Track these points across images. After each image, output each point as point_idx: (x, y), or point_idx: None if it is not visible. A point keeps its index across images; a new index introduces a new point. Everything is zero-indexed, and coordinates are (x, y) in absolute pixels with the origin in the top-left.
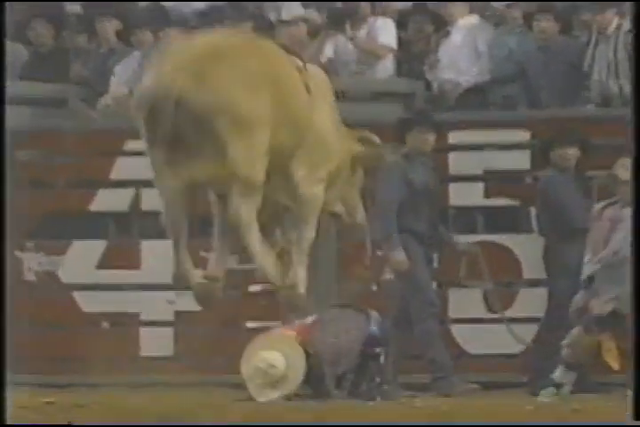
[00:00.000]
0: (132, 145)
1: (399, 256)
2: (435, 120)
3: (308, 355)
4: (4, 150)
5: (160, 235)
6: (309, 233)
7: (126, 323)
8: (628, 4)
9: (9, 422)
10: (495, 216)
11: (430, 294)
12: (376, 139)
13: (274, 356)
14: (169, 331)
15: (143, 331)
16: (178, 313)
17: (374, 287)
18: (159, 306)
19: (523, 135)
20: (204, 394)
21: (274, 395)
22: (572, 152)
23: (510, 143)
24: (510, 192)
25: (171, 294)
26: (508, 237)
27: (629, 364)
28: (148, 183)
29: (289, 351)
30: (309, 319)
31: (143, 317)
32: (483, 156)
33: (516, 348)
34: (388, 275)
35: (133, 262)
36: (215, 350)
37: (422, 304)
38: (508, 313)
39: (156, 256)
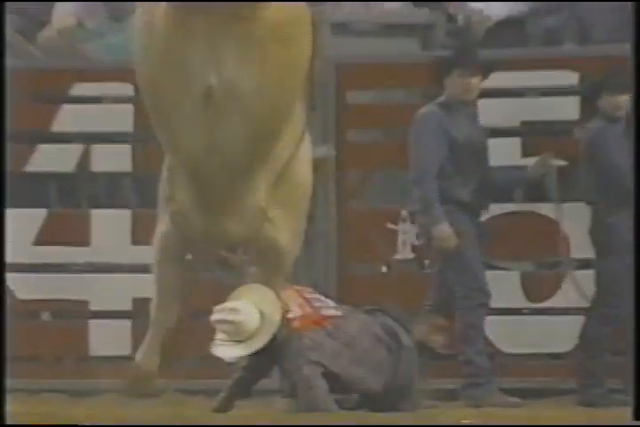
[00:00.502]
0: (80, 89)
1: (445, 230)
2: (480, 60)
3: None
4: None
5: (114, 202)
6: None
7: (72, 314)
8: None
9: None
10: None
11: (481, 279)
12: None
13: (246, 308)
14: (126, 324)
15: (93, 324)
16: (137, 301)
17: (384, 269)
18: (113, 292)
19: (569, 77)
20: (170, 404)
21: (233, 352)
22: (625, 99)
23: (554, 88)
24: (555, 149)
25: (128, 279)
26: (552, 207)
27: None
28: (99, 137)
29: (266, 309)
30: (335, 311)
31: (93, 306)
32: (520, 103)
33: (564, 346)
34: (406, 254)
35: (81, 237)
36: (185, 347)
37: (470, 291)
38: (551, 302)
39: (109, 229)
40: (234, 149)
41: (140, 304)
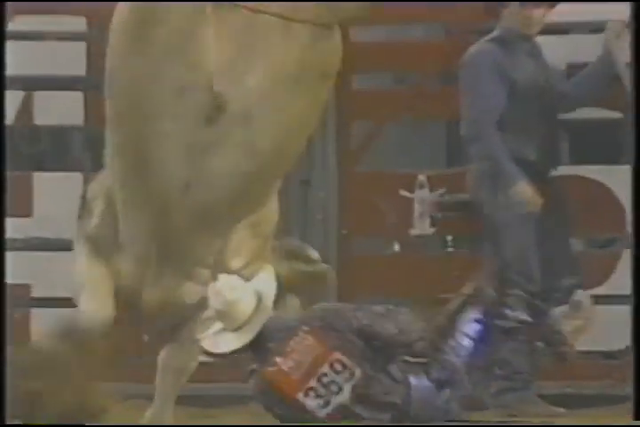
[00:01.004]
0: (21, 23)
1: (526, 190)
2: None
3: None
4: None
5: (62, 164)
6: None
7: (10, 301)
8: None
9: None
10: (586, 137)
11: (530, 263)
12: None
13: (241, 296)
14: None
15: (36, 313)
16: None
17: (396, 247)
18: (60, 275)
19: (622, 11)
20: (135, 410)
21: (224, 345)
22: None
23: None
24: (608, 98)
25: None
26: (604, 170)
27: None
28: (43, 82)
29: (264, 292)
30: (320, 411)
31: (36, 291)
32: (566, 42)
33: (619, 343)
34: (424, 228)
35: (21, 206)
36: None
37: (511, 275)
38: (604, 289)
39: (56, 197)
40: (218, 190)
41: None
